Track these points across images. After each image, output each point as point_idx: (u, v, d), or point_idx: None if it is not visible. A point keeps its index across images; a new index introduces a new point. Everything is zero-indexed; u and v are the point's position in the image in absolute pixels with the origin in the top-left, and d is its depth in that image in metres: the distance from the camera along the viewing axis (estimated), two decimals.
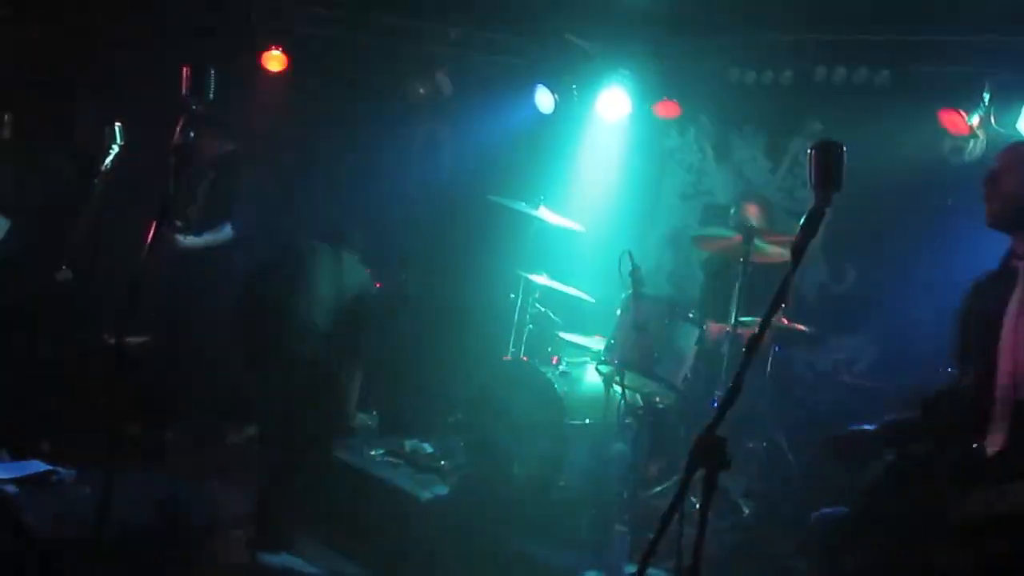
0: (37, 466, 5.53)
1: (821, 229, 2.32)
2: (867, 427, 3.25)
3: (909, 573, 2.82)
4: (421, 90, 7.86)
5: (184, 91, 3.07)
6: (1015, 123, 5.48)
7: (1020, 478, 2.67)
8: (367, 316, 5.83)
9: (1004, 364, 2.84)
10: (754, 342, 2.31)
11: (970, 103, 5.65)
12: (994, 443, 2.82)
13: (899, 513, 2.89)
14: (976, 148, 5.78)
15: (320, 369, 5.46)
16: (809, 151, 2.34)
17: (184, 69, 3.07)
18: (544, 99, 7.39)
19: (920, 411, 3.20)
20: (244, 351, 5.85)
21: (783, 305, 2.33)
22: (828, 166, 2.30)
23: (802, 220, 2.33)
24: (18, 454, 5.62)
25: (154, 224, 3.01)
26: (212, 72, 3.07)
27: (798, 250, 2.31)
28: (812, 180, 2.32)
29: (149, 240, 3.02)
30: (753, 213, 6.03)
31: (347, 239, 5.90)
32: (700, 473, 2.22)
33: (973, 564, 2.69)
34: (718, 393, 5.26)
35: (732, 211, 6.27)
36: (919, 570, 2.79)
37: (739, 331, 5.25)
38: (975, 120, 5.66)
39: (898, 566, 2.84)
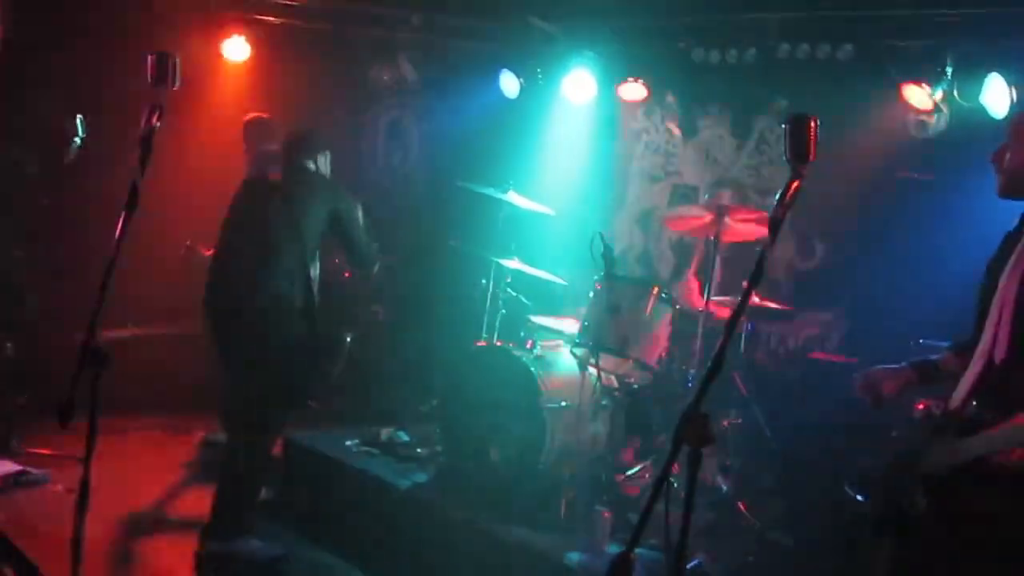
0: (8, 466, 5.49)
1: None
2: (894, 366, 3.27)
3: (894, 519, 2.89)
4: (385, 77, 7.82)
5: (149, 79, 3.03)
6: (978, 96, 5.51)
7: (969, 433, 2.72)
8: (349, 223, 5.17)
9: (990, 322, 2.88)
10: (735, 316, 2.31)
11: (933, 76, 5.69)
12: (958, 396, 2.87)
13: (897, 463, 2.96)
14: (940, 121, 5.82)
15: (287, 345, 4.99)
16: (783, 125, 2.36)
17: (149, 57, 3.03)
18: (509, 83, 7.38)
19: (950, 352, 3.23)
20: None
21: (759, 279, 2.32)
22: (803, 139, 2.32)
23: (778, 194, 2.33)
24: None
25: (122, 216, 2.95)
26: (177, 60, 3.04)
27: (775, 223, 2.31)
28: (787, 153, 2.33)
29: (118, 232, 2.96)
30: (726, 201, 6.05)
31: (299, 159, 5.24)
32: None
33: (935, 514, 2.76)
34: (692, 371, 5.28)
35: (705, 198, 6.30)
36: (897, 517, 2.87)
37: (712, 309, 5.27)
38: (938, 94, 5.70)
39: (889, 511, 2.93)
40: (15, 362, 6.02)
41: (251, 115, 6.60)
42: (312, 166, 5.26)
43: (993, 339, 2.84)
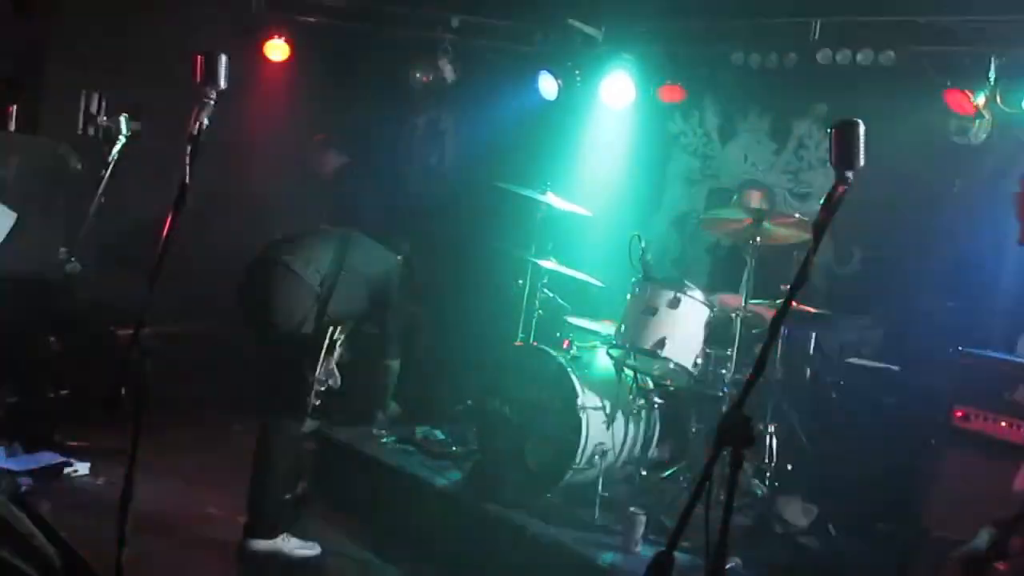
0: (51, 458, 5.58)
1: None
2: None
3: None
4: (424, 77, 7.86)
5: (198, 79, 3.07)
6: (1021, 102, 5.48)
7: None
8: (387, 303, 5.50)
9: None
10: (778, 320, 2.32)
11: (976, 83, 5.64)
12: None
13: None
14: (982, 128, 5.77)
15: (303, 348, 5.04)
16: (829, 130, 2.36)
17: (197, 57, 3.07)
18: (548, 85, 7.39)
19: None
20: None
21: (803, 283, 2.33)
22: (849, 144, 2.32)
23: (822, 198, 2.34)
24: (31, 446, 5.67)
25: (170, 214, 3.00)
26: (226, 60, 3.07)
27: (819, 227, 2.32)
28: (832, 158, 2.34)
29: (165, 229, 3.00)
30: (755, 200, 6.04)
31: (364, 227, 5.55)
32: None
33: None
34: (728, 374, 5.27)
35: (734, 199, 6.28)
36: None
37: (749, 312, 5.26)
38: (981, 100, 5.65)
39: None
40: (58, 355, 6.10)
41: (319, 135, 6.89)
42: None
43: None
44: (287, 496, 5.16)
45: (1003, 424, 4.40)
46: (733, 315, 5.22)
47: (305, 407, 5.17)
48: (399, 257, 5.62)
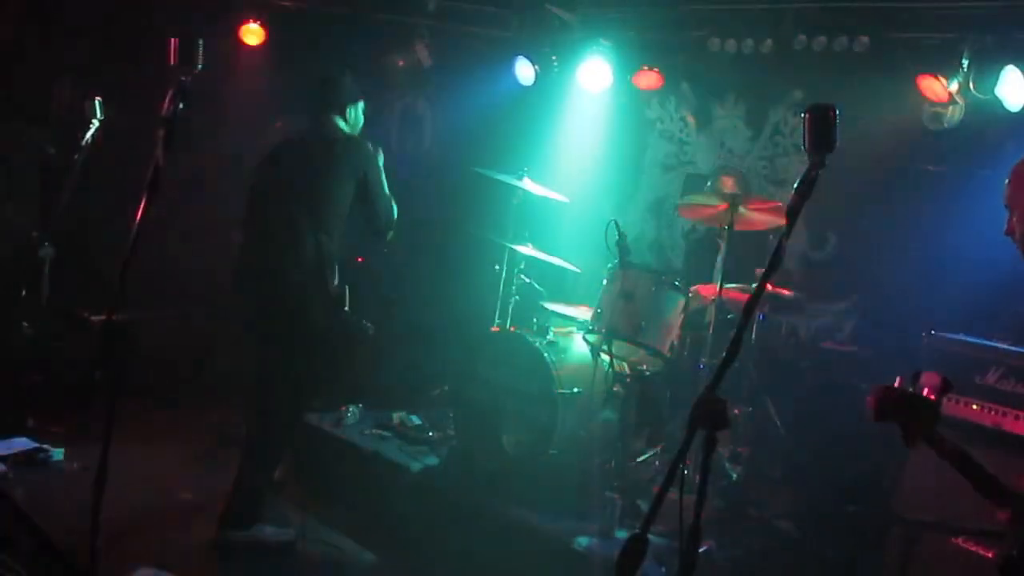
0: (24, 443, 5.54)
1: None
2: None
3: None
4: (400, 62, 7.83)
5: (172, 62, 3.05)
6: (993, 88, 5.50)
7: None
8: (374, 194, 4.94)
9: None
10: (752, 302, 2.34)
11: (949, 69, 5.67)
12: None
13: None
14: (955, 114, 5.81)
15: (312, 334, 4.84)
16: (803, 114, 2.37)
17: (172, 40, 3.05)
18: (524, 71, 7.37)
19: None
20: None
21: (777, 267, 2.34)
22: (822, 128, 2.33)
23: (796, 183, 2.35)
24: (4, 432, 5.63)
25: (144, 198, 2.97)
26: (201, 43, 3.05)
27: (793, 212, 2.32)
28: (806, 143, 2.35)
29: (139, 215, 2.98)
30: (729, 186, 6.07)
31: (326, 114, 4.97)
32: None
33: None
34: (704, 359, 5.30)
35: (708, 184, 6.31)
36: None
37: (724, 297, 5.29)
38: (954, 86, 5.68)
39: None
40: (32, 340, 6.05)
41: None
42: (341, 123, 4.99)
43: None
44: (269, 489, 5.15)
45: (975, 407, 4.43)
46: (708, 299, 5.24)
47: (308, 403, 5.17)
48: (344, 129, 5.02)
